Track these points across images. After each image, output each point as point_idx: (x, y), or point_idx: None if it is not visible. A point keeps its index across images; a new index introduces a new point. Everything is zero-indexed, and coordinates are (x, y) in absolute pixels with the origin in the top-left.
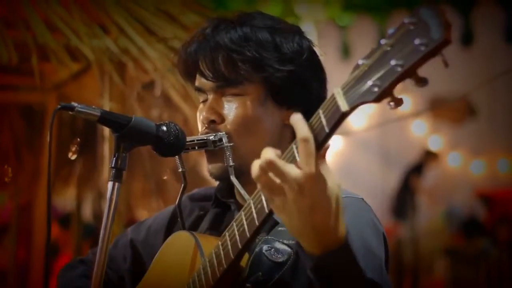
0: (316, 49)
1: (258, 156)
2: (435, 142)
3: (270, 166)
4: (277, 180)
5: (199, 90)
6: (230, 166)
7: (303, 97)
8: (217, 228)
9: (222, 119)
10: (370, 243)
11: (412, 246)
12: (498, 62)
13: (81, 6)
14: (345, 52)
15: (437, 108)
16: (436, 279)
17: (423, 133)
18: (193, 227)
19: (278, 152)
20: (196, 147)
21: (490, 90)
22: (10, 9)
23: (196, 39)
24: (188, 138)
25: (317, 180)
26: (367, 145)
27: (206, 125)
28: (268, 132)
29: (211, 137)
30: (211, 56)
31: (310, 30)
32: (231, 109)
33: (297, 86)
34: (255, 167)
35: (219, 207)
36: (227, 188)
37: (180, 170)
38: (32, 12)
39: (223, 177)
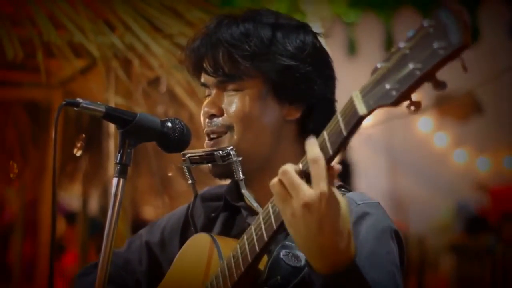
0: (324, 45)
1: (258, 151)
2: (441, 139)
3: (284, 176)
4: (289, 191)
5: (204, 85)
6: (241, 180)
7: (305, 93)
8: (228, 232)
9: (222, 113)
10: (386, 255)
11: (418, 243)
12: (504, 59)
13: (87, 3)
14: (351, 48)
15: (442, 105)
16: (441, 276)
17: (429, 130)
18: (206, 230)
19: (297, 166)
20: (204, 162)
21: (496, 87)
22: (16, 6)
23: (199, 35)
24: (195, 151)
25: (326, 200)
26: (372, 142)
27: (207, 119)
28: (268, 127)
29: (219, 153)
30: (212, 51)
31: (315, 27)
32: (231, 103)
33: (298, 82)
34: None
35: (229, 210)
36: (236, 190)
37: (189, 182)
38: (38, 10)
39: (223, 175)
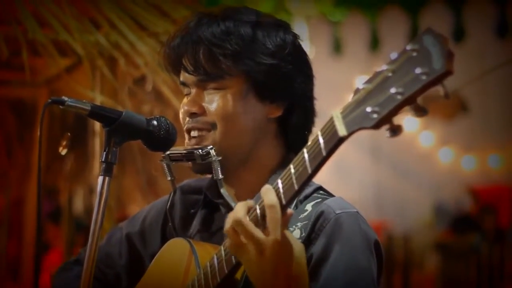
0: (304, 44)
1: (239, 149)
2: (427, 138)
3: (238, 225)
4: (243, 240)
5: (183, 84)
6: (219, 179)
7: (286, 91)
8: (208, 230)
9: (204, 111)
10: (362, 273)
11: (403, 242)
12: (490, 58)
13: (73, 1)
14: (337, 47)
15: (428, 103)
16: (427, 274)
17: (414, 129)
18: (184, 225)
19: (251, 203)
20: (184, 159)
21: (482, 86)
22: (1, 4)
23: (179, 33)
24: (174, 149)
25: (280, 245)
26: (358, 141)
27: (188, 117)
28: (249, 126)
29: (199, 151)
30: (192, 50)
31: (301, 26)
32: (212, 102)
33: (279, 81)
34: (228, 220)
35: (208, 207)
36: (216, 187)
37: (169, 179)
38: (23, 7)
39: (204, 172)
